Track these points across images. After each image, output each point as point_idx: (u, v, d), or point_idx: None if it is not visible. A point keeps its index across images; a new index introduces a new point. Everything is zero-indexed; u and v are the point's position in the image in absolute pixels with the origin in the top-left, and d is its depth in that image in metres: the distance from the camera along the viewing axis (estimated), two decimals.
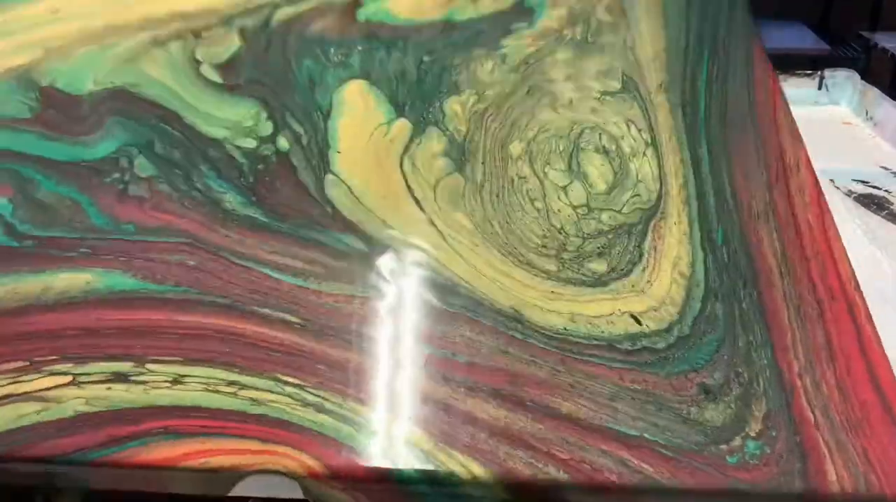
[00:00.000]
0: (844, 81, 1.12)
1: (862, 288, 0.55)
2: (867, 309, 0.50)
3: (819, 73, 1.15)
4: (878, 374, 0.47)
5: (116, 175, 0.58)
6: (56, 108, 0.63)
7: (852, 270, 0.52)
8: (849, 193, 0.80)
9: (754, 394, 0.46)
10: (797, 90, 1.10)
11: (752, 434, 0.44)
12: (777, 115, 0.62)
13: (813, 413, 0.45)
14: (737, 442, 0.44)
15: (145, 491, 0.44)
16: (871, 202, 0.78)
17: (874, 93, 1.05)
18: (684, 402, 0.45)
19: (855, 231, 0.73)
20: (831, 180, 0.83)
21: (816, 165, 0.77)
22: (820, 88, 1.13)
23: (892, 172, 0.84)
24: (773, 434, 0.44)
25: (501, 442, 0.43)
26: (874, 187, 0.81)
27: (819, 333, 0.49)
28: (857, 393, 0.46)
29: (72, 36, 0.70)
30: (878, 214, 0.76)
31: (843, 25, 2.19)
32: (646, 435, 0.44)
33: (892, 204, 0.78)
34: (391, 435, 0.43)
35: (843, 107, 1.09)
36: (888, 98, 1.01)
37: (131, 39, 0.70)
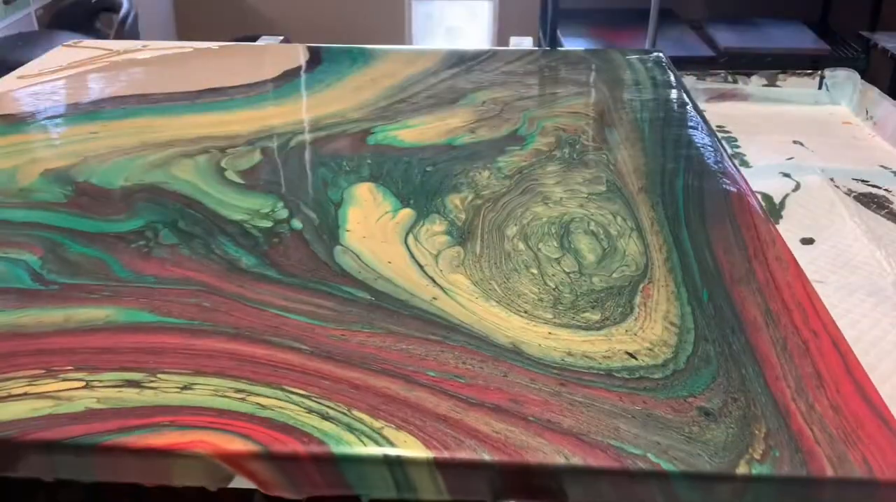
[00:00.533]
0: (844, 81, 1.11)
1: (862, 288, 0.56)
2: (849, 346, 0.52)
3: (819, 72, 1.14)
4: (867, 392, 0.48)
5: (142, 242, 0.62)
6: (89, 195, 0.69)
7: (832, 318, 0.55)
8: (849, 192, 0.79)
9: (753, 417, 0.47)
10: (797, 90, 1.10)
11: (757, 456, 0.44)
12: (751, 208, 0.68)
13: (811, 429, 0.46)
14: (742, 467, 0.44)
15: (147, 486, 0.44)
16: (871, 201, 0.77)
17: (874, 92, 1.04)
18: (685, 423, 0.46)
19: (855, 230, 0.72)
20: (831, 179, 0.81)
21: (817, 164, 0.80)
22: (820, 88, 1.12)
23: (892, 171, 0.83)
24: (777, 454, 0.45)
25: (502, 456, 0.44)
26: (874, 186, 0.80)
27: (807, 364, 0.51)
28: (850, 409, 0.47)
29: (107, 149, 0.78)
30: (878, 213, 0.75)
31: (843, 25, 2.16)
32: (649, 455, 0.44)
33: (891, 202, 0.77)
34: (393, 444, 0.44)
35: (843, 106, 1.09)
36: (888, 98, 1.00)
37: (162, 153, 0.77)
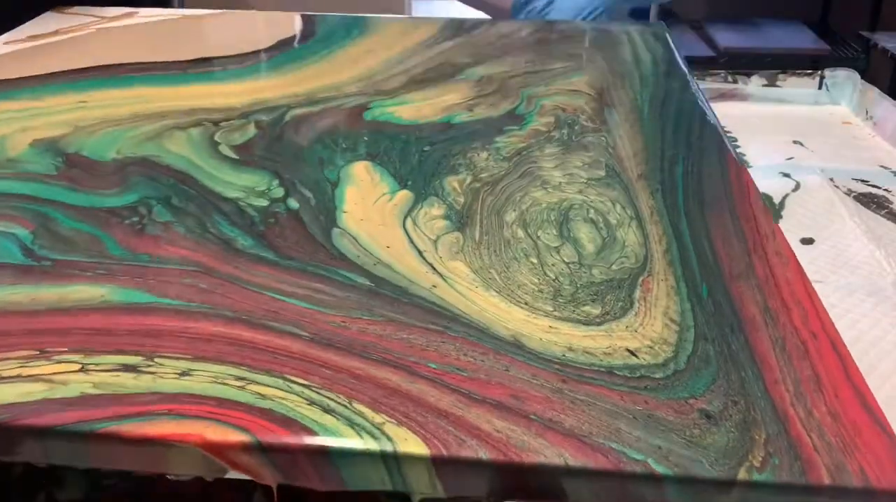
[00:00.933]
0: (844, 81, 1.11)
1: (862, 287, 0.57)
2: (847, 348, 0.53)
3: (819, 72, 1.14)
4: (866, 399, 0.49)
5: (135, 219, 0.61)
6: (80, 168, 0.68)
7: (831, 319, 0.55)
8: (848, 192, 0.79)
9: (753, 422, 0.47)
10: (797, 90, 1.11)
11: (756, 463, 0.44)
12: (751, 198, 0.68)
13: (810, 436, 0.46)
14: (743, 474, 0.44)
15: (147, 487, 0.43)
16: (871, 201, 0.77)
17: (874, 92, 1.04)
18: (686, 426, 0.46)
19: (855, 230, 0.73)
20: (831, 179, 0.82)
21: (817, 164, 0.81)
22: (820, 88, 1.12)
23: (892, 171, 0.84)
24: (777, 461, 0.45)
25: (502, 457, 0.43)
26: (874, 186, 0.80)
27: (805, 367, 0.51)
28: (848, 415, 0.47)
29: (97, 119, 0.76)
30: (878, 213, 0.76)
31: (843, 25, 2.19)
32: (650, 460, 0.44)
33: (891, 202, 0.77)
34: (392, 441, 0.43)
35: (843, 106, 1.09)
36: (888, 98, 1.01)
37: (154, 124, 0.76)
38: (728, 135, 0.96)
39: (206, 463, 0.43)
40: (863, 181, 0.83)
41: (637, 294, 0.57)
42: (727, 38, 2.06)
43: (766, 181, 0.83)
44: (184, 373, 0.46)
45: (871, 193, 0.80)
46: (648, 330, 0.54)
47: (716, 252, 0.62)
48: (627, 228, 0.64)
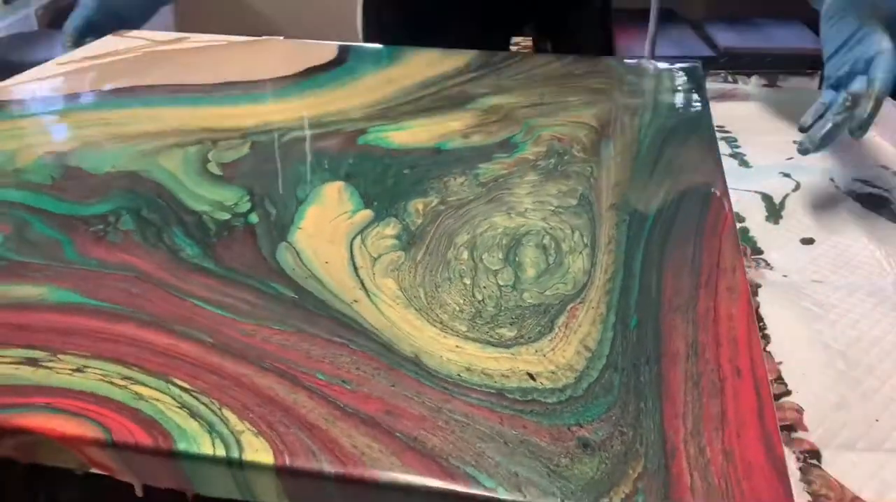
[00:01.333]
0: None
1: (862, 287, 0.55)
2: (769, 389, 0.49)
3: (819, 72, 1.11)
4: (772, 440, 0.45)
5: (100, 226, 0.65)
6: (74, 180, 0.73)
7: (763, 359, 0.51)
8: (849, 193, 0.78)
9: (633, 454, 0.44)
10: (797, 90, 1.06)
11: (617, 500, 0.42)
12: (724, 232, 0.64)
13: (691, 475, 0.43)
14: None
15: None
16: (872, 201, 0.76)
17: None
18: (557, 454, 0.44)
19: (855, 230, 0.71)
20: (831, 179, 0.81)
21: (817, 165, 0.80)
22: (820, 88, 1.09)
23: (893, 172, 0.82)
24: (641, 499, 0.42)
25: (347, 472, 0.43)
26: (875, 187, 0.79)
27: (715, 404, 0.47)
28: (745, 456, 0.44)
29: (108, 136, 0.82)
30: (879, 213, 0.74)
31: None
32: (500, 488, 0.42)
33: (892, 203, 0.76)
34: (242, 449, 0.44)
35: None
36: (888, 98, 0.98)
37: (157, 142, 0.80)
38: (728, 135, 0.93)
39: (71, 456, 0.45)
40: (863, 181, 0.80)
41: (560, 320, 0.55)
42: (727, 38, 2.06)
43: (766, 181, 0.82)
44: (77, 370, 0.49)
45: (871, 194, 0.78)
46: (557, 356, 0.52)
47: (663, 283, 0.59)
48: (577, 256, 0.62)
